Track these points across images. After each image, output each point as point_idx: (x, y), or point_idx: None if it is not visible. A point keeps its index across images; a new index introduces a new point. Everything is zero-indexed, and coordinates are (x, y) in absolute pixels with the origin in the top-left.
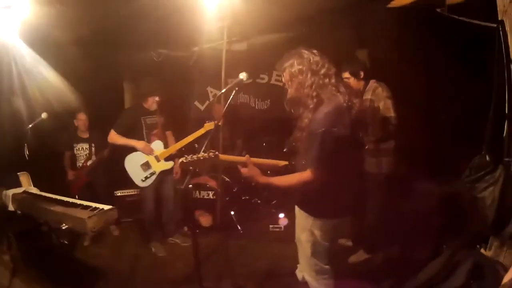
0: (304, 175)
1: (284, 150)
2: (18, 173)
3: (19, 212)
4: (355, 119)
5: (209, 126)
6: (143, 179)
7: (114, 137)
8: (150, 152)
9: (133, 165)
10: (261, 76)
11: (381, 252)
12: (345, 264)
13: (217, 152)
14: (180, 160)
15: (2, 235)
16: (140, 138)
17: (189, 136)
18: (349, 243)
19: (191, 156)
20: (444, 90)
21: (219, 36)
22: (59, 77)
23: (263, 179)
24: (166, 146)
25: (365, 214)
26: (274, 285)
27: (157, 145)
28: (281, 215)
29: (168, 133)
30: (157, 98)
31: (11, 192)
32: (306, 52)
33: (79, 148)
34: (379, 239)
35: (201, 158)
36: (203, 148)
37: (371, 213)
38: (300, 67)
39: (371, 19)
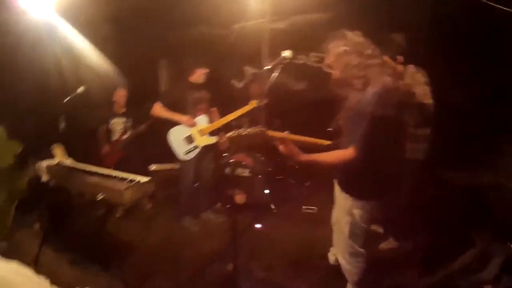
0: (346, 153)
1: (329, 129)
2: (52, 145)
3: (52, 183)
4: (401, 100)
5: (254, 104)
6: (186, 152)
7: (159, 110)
8: (193, 125)
9: (176, 138)
10: (299, 56)
11: (411, 241)
12: (375, 250)
13: (263, 128)
14: (228, 134)
15: (35, 205)
16: (184, 112)
17: (234, 112)
18: (380, 230)
19: (239, 131)
20: (482, 78)
21: (259, 14)
22: (97, 52)
23: (302, 157)
24: (210, 121)
25: (397, 200)
26: (304, 266)
27: (202, 120)
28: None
29: (213, 110)
30: (205, 71)
31: (45, 163)
32: (349, 33)
33: (114, 123)
34: (409, 228)
35: (249, 133)
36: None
37: (402, 200)
38: (345, 48)
39: (408, 2)
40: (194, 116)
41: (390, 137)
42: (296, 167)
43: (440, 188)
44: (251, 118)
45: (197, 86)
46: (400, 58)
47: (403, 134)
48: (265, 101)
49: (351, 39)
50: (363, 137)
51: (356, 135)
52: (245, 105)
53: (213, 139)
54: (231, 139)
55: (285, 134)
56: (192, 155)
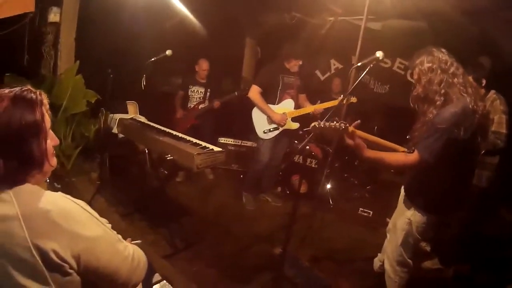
0: (410, 157)
1: (408, 137)
2: (127, 101)
3: (121, 135)
4: (478, 123)
5: (342, 100)
6: (265, 131)
7: (255, 96)
8: (284, 123)
9: (259, 116)
10: (385, 60)
11: (454, 267)
12: (418, 267)
13: (347, 124)
14: (313, 124)
15: (98, 153)
16: (274, 94)
17: (321, 104)
18: (428, 248)
19: (324, 123)
20: None
21: (356, 11)
22: (189, 21)
23: (368, 152)
24: (296, 107)
25: (451, 223)
26: (349, 266)
27: (288, 104)
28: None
29: (302, 96)
30: (300, 62)
31: (118, 116)
32: (435, 50)
33: (194, 91)
34: (457, 253)
35: (333, 126)
36: (326, 117)
37: (457, 224)
38: (430, 65)
39: (500, 27)
40: (281, 99)
41: (458, 156)
42: (357, 165)
43: (496, 221)
44: (331, 113)
45: (290, 73)
46: (483, 81)
47: (472, 157)
48: (354, 99)
49: (436, 56)
50: (429, 146)
51: (423, 143)
52: (325, 98)
53: (294, 125)
54: (315, 128)
55: (370, 136)
56: (271, 135)
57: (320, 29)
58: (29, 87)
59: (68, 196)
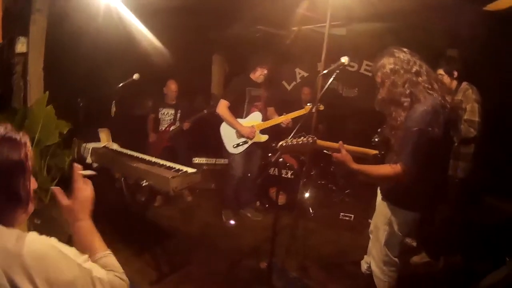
0: (395, 169)
1: (373, 140)
2: (99, 129)
3: (96, 165)
4: (448, 117)
5: (309, 108)
6: (235, 145)
7: (223, 110)
8: (253, 137)
9: (228, 130)
10: (351, 64)
11: (443, 258)
12: (406, 263)
13: (315, 138)
14: (280, 143)
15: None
16: (241, 108)
17: (288, 114)
18: (414, 244)
19: (291, 140)
20: None
21: (319, 18)
22: (154, 43)
23: (355, 166)
24: (264, 119)
25: (434, 216)
26: (336, 272)
27: (256, 116)
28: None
29: (270, 109)
30: (265, 71)
31: (91, 145)
32: (396, 51)
33: (164, 113)
34: (443, 245)
35: (300, 142)
36: (294, 131)
37: (439, 216)
38: (392, 66)
39: (465, 19)
40: (249, 112)
41: (435, 154)
42: (333, 171)
43: (478, 209)
44: (301, 122)
45: (257, 84)
46: (455, 73)
47: (447, 151)
48: (321, 106)
49: (398, 56)
50: (411, 155)
51: (404, 152)
52: (295, 107)
53: (264, 137)
54: (282, 147)
55: (336, 145)
56: (240, 149)
57: (285, 40)
58: (10, 126)
59: (42, 237)
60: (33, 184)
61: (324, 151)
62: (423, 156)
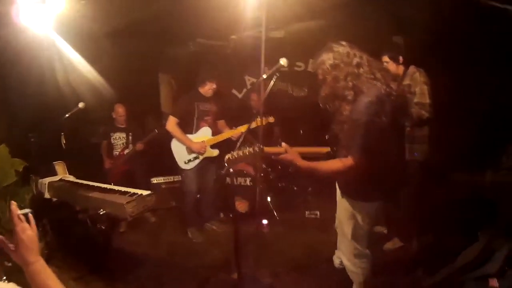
0: (346, 162)
1: (326, 137)
2: (54, 162)
3: (55, 199)
4: (395, 104)
5: (260, 122)
6: (186, 161)
7: (173, 127)
8: (203, 152)
9: (178, 147)
10: (298, 63)
11: (416, 240)
12: (380, 251)
13: (261, 146)
14: (227, 156)
15: (38, 222)
16: (190, 122)
17: (238, 128)
18: (384, 231)
19: (237, 153)
20: (479, 79)
21: (256, 23)
22: (95, 69)
23: (303, 163)
24: (213, 134)
25: (400, 201)
26: (310, 272)
27: (205, 131)
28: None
29: (220, 122)
30: (214, 86)
31: (47, 180)
32: (335, 45)
33: (116, 137)
34: (413, 227)
35: (247, 153)
36: (240, 140)
37: (405, 200)
38: (331, 61)
39: (407, 5)
40: (198, 127)
41: (386, 142)
42: (291, 171)
43: (443, 188)
44: (252, 130)
45: (206, 99)
46: (400, 58)
47: (400, 136)
48: (271, 119)
49: (337, 51)
50: (360, 146)
51: (353, 145)
52: (246, 115)
53: (215, 152)
54: (229, 161)
55: (283, 149)
56: (192, 165)
57: (226, 50)
58: None
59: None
60: None
61: (273, 157)
62: (373, 147)
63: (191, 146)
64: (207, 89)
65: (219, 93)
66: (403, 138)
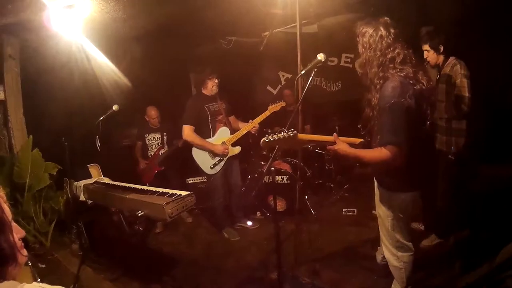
0: (382, 154)
1: (359, 126)
2: (88, 165)
3: (90, 202)
4: (421, 93)
5: (273, 108)
6: (212, 166)
7: (191, 136)
8: (227, 153)
9: (201, 153)
10: (330, 58)
11: (453, 237)
12: (417, 248)
13: (295, 131)
14: (262, 140)
15: (73, 224)
16: (205, 126)
17: (255, 119)
18: (421, 227)
19: (272, 135)
20: None
21: (287, 20)
22: (124, 72)
23: (351, 151)
24: (232, 132)
25: (436, 196)
26: (349, 269)
27: (224, 132)
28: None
29: (232, 118)
30: (216, 80)
31: (82, 182)
32: (382, 30)
33: (150, 138)
34: (451, 223)
35: (281, 137)
36: (278, 130)
37: (441, 195)
38: (371, 42)
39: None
40: (215, 128)
41: (415, 130)
42: (328, 169)
43: (480, 182)
44: (288, 122)
45: (212, 98)
46: (441, 48)
47: (425, 127)
48: (292, 106)
49: (380, 34)
50: (392, 131)
51: (385, 132)
52: (284, 111)
53: (237, 150)
54: (264, 144)
55: (317, 136)
56: (218, 168)
57: (259, 46)
58: None
59: (45, 286)
60: (19, 233)
61: (316, 150)
62: (403, 129)
63: (214, 150)
64: (211, 86)
65: (222, 88)
66: (429, 130)
